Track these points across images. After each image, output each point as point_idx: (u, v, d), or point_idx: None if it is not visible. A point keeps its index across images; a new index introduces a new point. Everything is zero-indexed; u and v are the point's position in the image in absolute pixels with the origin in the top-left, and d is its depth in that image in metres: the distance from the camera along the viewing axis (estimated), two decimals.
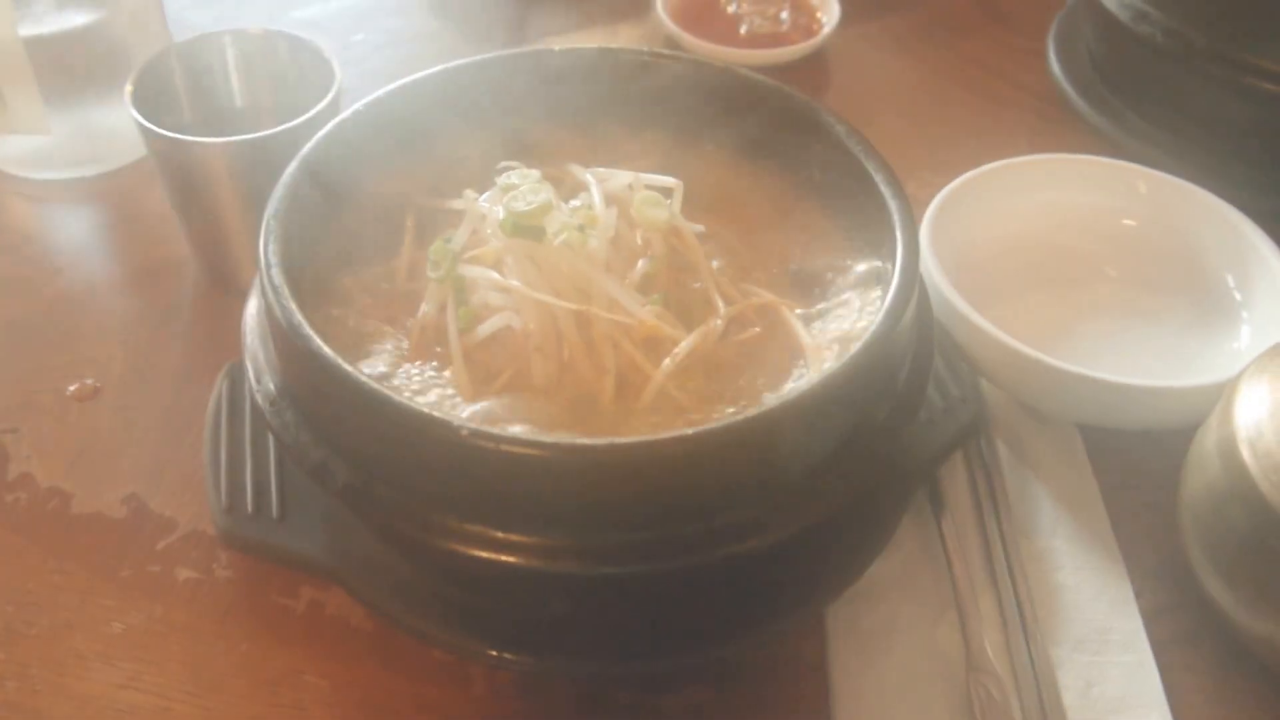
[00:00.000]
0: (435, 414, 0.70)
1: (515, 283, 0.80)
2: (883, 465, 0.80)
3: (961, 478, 1.01)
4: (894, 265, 0.82)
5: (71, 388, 1.05)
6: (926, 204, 1.14)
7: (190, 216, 1.10)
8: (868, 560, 0.88)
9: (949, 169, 1.23)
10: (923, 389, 0.85)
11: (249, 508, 0.87)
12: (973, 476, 1.01)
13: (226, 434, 0.93)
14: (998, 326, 1.00)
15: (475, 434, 0.68)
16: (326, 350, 0.73)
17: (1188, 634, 0.91)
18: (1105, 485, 1.01)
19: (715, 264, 0.90)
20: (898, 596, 0.92)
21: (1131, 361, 1.07)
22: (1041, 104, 1.43)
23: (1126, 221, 1.16)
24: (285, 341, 0.75)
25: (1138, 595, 0.93)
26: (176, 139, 1.01)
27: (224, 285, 1.14)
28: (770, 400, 0.80)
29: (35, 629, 0.89)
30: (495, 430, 0.69)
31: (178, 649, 0.87)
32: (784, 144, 0.95)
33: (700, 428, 0.70)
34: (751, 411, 0.71)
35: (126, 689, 0.85)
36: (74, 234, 1.22)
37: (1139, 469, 1.02)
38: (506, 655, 0.81)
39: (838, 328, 0.86)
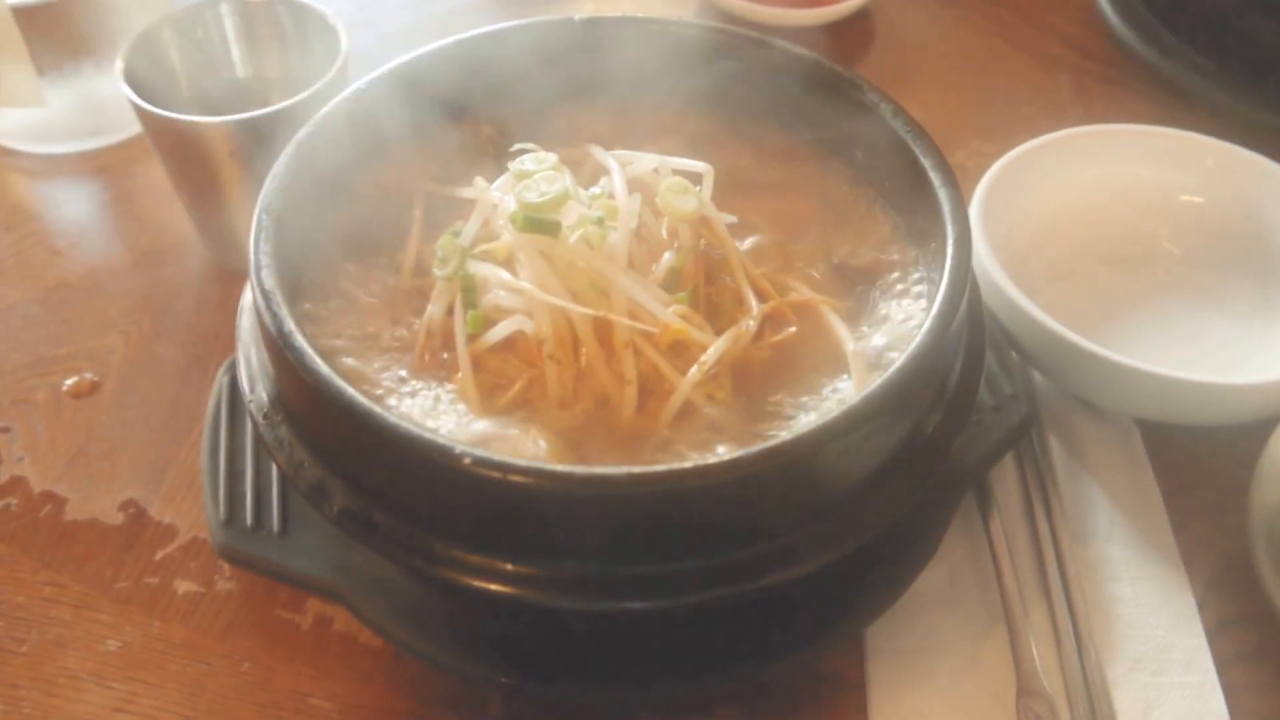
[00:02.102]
0: (436, 440, 0.64)
1: (527, 284, 0.74)
2: (931, 480, 0.74)
3: (1011, 475, 0.94)
4: (944, 261, 0.75)
5: (69, 382, 1.00)
6: (975, 174, 1.07)
7: (191, 197, 1.04)
8: (911, 576, 0.82)
9: (999, 136, 1.16)
10: (974, 393, 0.79)
11: (248, 521, 0.82)
12: (1023, 474, 0.95)
13: (226, 437, 0.87)
14: (1051, 308, 0.93)
15: (479, 462, 0.62)
16: (321, 366, 0.67)
17: (1253, 651, 0.85)
18: (1165, 485, 0.94)
19: (747, 252, 0.84)
20: (941, 609, 0.86)
21: (1194, 348, 1.00)
22: (1097, 64, 1.34)
23: (1190, 197, 1.08)
24: (277, 353, 0.69)
25: (1199, 608, 0.87)
26: (173, 118, 0.95)
27: (231, 265, 1.08)
28: (808, 416, 0.74)
29: (25, 646, 0.84)
30: (500, 459, 0.63)
31: (176, 668, 0.83)
32: (825, 124, 0.88)
33: (729, 456, 0.64)
34: (786, 435, 0.65)
35: (121, 712, 0.81)
36: (74, 212, 1.17)
37: (1203, 467, 0.95)
38: (523, 682, 0.76)
39: (883, 328, 0.79)
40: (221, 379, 0.91)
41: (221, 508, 0.82)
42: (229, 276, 1.08)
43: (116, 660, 0.83)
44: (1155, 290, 1.05)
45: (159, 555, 0.88)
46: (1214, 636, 0.85)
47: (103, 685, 0.82)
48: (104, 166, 1.20)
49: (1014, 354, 0.96)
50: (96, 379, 1.00)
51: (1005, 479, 0.94)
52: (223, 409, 0.89)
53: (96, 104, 1.18)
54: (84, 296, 1.07)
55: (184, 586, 0.87)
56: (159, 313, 1.06)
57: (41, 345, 1.03)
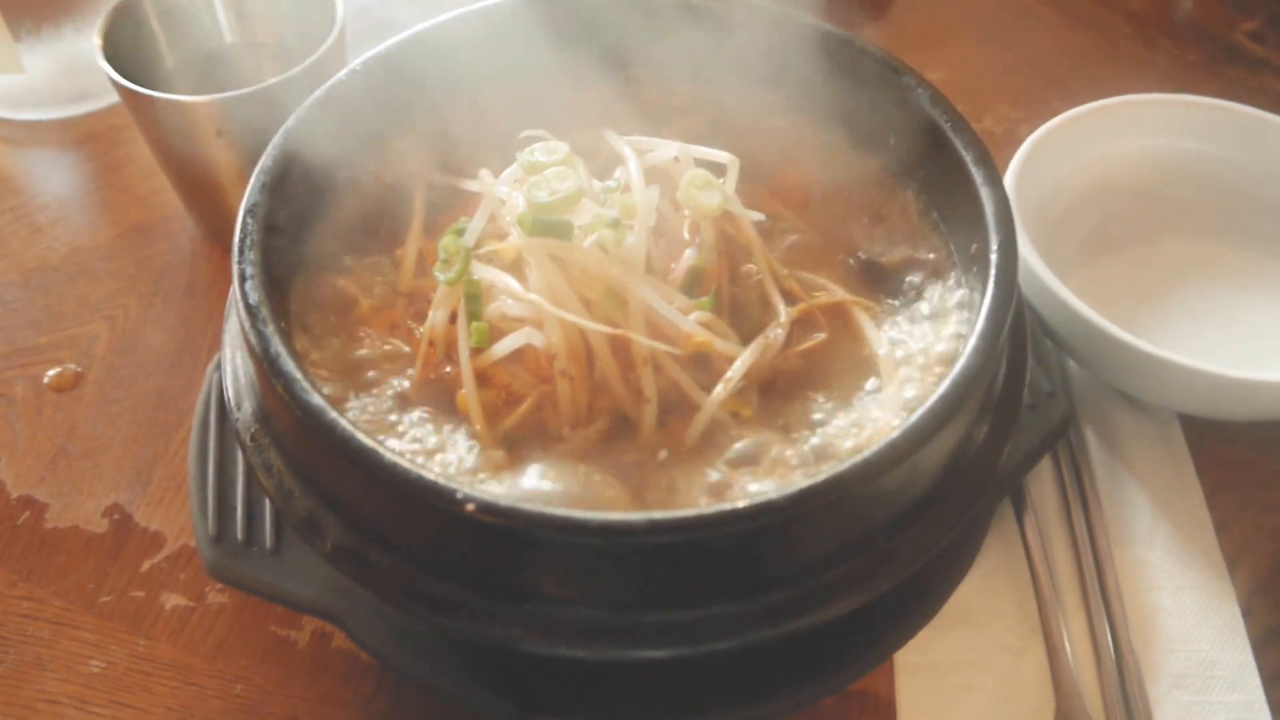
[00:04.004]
0: (438, 483, 0.58)
1: (536, 296, 0.68)
2: (977, 496, 0.69)
3: (1047, 471, 0.89)
4: (987, 267, 0.69)
5: (50, 374, 0.94)
6: (1004, 141, 1.02)
7: (179, 177, 0.97)
8: (947, 593, 0.77)
9: (1029, 100, 1.10)
10: (1018, 406, 0.73)
11: (239, 536, 0.76)
12: (1059, 470, 0.89)
13: (216, 442, 0.81)
14: (1086, 290, 0.87)
15: (483, 508, 0.57)
16: (312, 398, 0.61)
17: None
18: (1206, 482, 0.89)
19: (771, 247, 0.78)
20: (975, 621, 0.82)
21: (1236, 334, 0.94)
22: (1129, 23, 1.27)
23: (1236, 173, 1.02)
24: (264, 378, 0.64)
25: (1244, 616, 0.82)
26: (156, 97, 0.88)
27: (223, 242, 1.02)
28: (840, 434, 0.68)
29: (1, 668, 0.79)
30: (506, 504, 0.57)
31: (164, 692, 0.78)
32: (855, 108, 0.81)
33: (757, 500, 0.58)
34: (822, 476, 0.59)
35: None
36: (57, 185, 1.10)
37: (1247, 464, 0.90)
38: (536, 717, 0.71)
39: (918, 333, 0.73)
40: (211, 376, 0.85)
41: (210, 521, 0.77)
42: (221, 253, 1.02)
43: (100, 683, 0.78)
44: (1196, 271, 0.99)
45: (145, 566, 0.83)
46: (1260, 648, 0.81)
47: (85, 710, 0.77)
48: (89, 134, 1.13)
49: (1049, 342, 0.90)
50: (79, 370, 0.95)
51: (1040, 475, 0.89)
52: (212, 410, 0.83)
53: (79, 68, 1.11)
54: (66, 279, 1.01)
55: (172, 600, 0.82)
56: (146, 295, 1.00)
57: (21, 333, 0.97)
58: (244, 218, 0.69)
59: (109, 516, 0.86)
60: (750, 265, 0.76)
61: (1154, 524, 0.87)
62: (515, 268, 0.72)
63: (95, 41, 0.91)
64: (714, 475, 0.67)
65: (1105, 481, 0.89)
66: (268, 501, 0.78)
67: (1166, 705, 0.78)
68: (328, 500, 0.65)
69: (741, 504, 0.58)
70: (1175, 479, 0.89)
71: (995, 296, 0.67)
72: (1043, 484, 0.89)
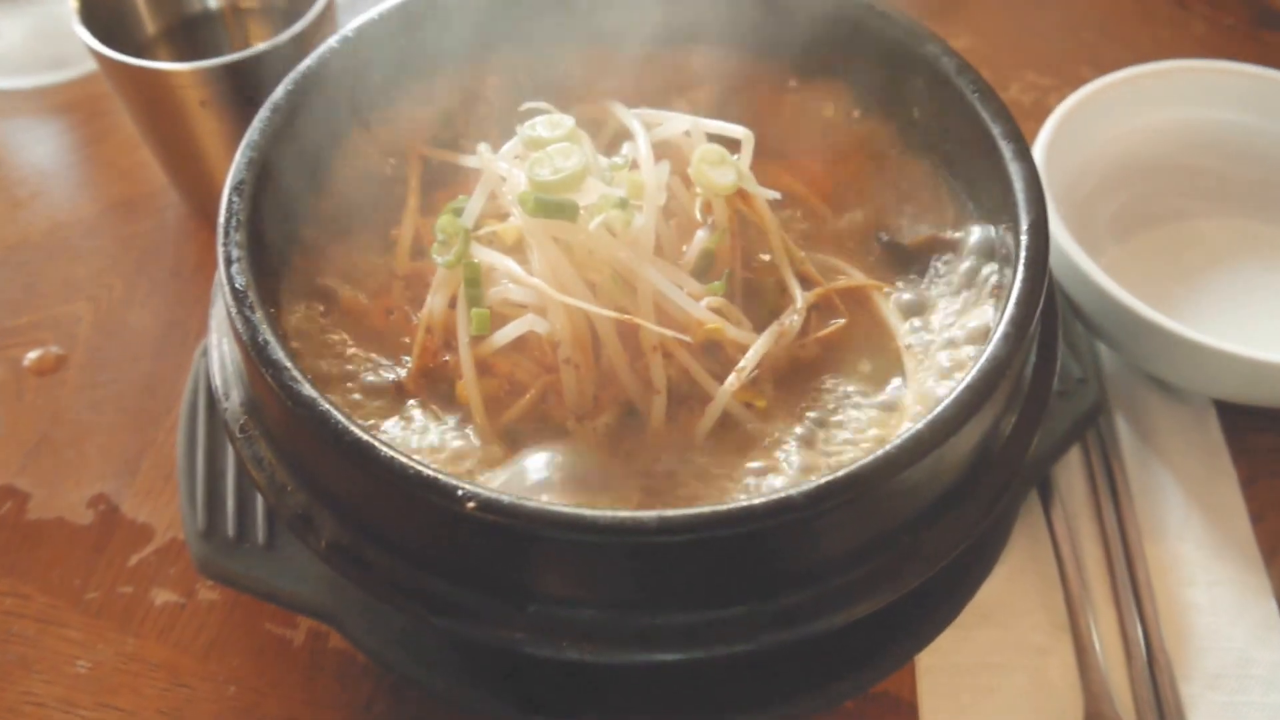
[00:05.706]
0: (435, 478, 0.55)
1: (538, 281, 0.64)
2: (1005, 490, 0.65)
3: (1076, 461, 0.86)
4: (1017, 248, 0.65)
5: (31, 356, 0.91)
6: (1031, 110, 0.97)
7: (162, 150, 0.94)
8: (972, 590, 0.74)
9: (1057, 66, 1.05)
10: (1049, 387, 0.70)
11: (230, 531, 0.73)
12: (1088, 458, 0.86)
13: (205, 431, 0.78)
14: (1118, 269, 0.84)
15: (485, 506, 0.53)
16: (303, 389, 0.57)
17: None
18: (1243, 472, 0.86)
19: (787, 227, 0.74)
20: (1000, 618, 0.78)
21: (1275, 313, 0.91)
22: None
23: (1277, 145, 0.98)
24: (252, 367, 0.60)
25: None
26: (135, 65, 0.84)
27: (210, 219, 0.98)
28: (861, 428, 0.64)
29: None
30: (509, 501, 0.54)
31: (153, 693, 0.75)
32: (877, 78, 0.78)
33: (777, 497, 0.55)
34: (843, 471, 0.56)
35: None
36: (37, 157, 1.06)
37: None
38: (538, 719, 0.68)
39: (942, 319, 0.69)
40: (199, 362, 0.82)
41: (200, 515, 0.74)
42: (208, 231, 0.99)
43: (87, 684, 0.75)
44: (1234, 250, 0.96)
45: (133, 560, 0.80)
46: None
47: (71, 713, 0.74)
48: (69, 103, 1.10)
49: (1079, 326, 0.86)
50: (62, 352, 0.91)
51: (1069, 465, 0.86)
52: (200, 398, 0.80)
53: (57, 32, 1.07)
54: (47, 256, 0.98)
55: (162, 596, 0.79)
56: (131, 275, 0.96)
57: (0, 314, 0.94)
58: (230, 195, 0.65)
59: (94, 508, 0.83)
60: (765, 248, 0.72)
61: (1187, 516, 0.84)
62: (517, 250, 0.68)
63: (71, 4, 0.86)
64: (727, 470, 0.63)
65: (1136, 471, 0.86)
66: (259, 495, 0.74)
67: (1200, 706, 0.75)
68: (322, 495, 0.61)
69: (757, 501, 0.54)
70: (1209, 469, 0.86)
71: (1026, 280, 0.63)
72: (1071, 474, 0.86)
